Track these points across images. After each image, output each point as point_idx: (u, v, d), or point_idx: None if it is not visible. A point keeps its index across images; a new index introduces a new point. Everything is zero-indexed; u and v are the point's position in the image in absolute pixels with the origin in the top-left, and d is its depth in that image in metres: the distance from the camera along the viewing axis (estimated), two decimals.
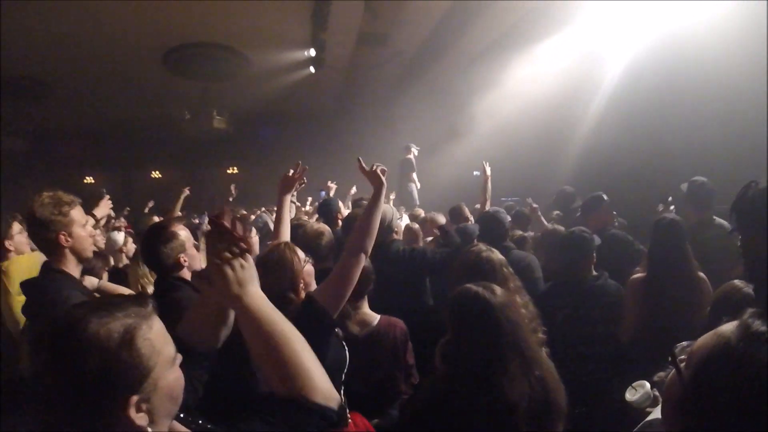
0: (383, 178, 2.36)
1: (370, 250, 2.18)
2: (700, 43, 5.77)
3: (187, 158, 15.73)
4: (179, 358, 1.09)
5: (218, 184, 14.59)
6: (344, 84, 13.00)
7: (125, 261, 4.24)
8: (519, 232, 4.54)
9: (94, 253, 2.45)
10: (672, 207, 4.59)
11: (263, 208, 6.59)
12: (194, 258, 2.40)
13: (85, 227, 2.18)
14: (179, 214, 6.06)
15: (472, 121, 10.38)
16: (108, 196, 3.69)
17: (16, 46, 8.73)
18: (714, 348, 0.95)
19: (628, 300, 3.03)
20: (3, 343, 3.05)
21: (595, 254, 3.13)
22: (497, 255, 2.56)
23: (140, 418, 0.97)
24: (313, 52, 10.27)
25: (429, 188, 9.29)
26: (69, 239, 2.11)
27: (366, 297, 2.65)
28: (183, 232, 2.33)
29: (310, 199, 7.75)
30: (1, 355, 2.82)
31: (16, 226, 3.39)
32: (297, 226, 3.34)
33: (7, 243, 3.37)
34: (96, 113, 13.37)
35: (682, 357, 1.03)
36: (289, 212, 2.98)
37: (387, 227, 3.45)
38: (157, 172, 16.66)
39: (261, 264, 2.09)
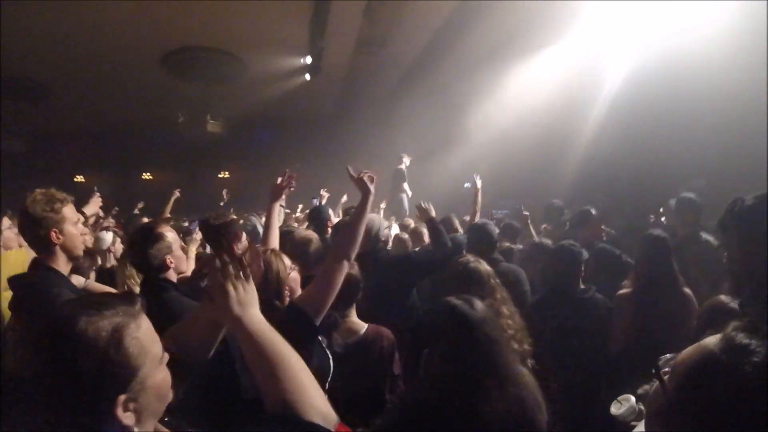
0: (370, 186, 2.35)
1: (353, 256, 2.19)
2: (700, 52, 5.85)
3: (182, 161, 15.68)
4: (167, 357, 1.09)
5: (211, 187, 14.54)
6: (341, 90, 13.05)
7: (113, 261, 4.21)
8: (506, 244, 4.57)
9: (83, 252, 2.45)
10: (663, 219, 4.63)
11: (254, 214, 6.57)
12: (180, 260, 2.42)
13: (77, 225, 2.18)
14: (168, 215, 6.04)
15: (469, 128, 10.42)
16: (98, 194, 3.68)
17: (16, 46, 8.73)
18: (698, 360, 0.96)
19: (616, 314, 3.07)
20: None
21: (583, 267, 3.17)
22: (485, 266, 2.57)
23: (127, 418, 0.97)
24: (309, 60, 10.30)
25: (422, 197, 9.23)
26: (60, 236, 2.10)
27: (354, 305, 2.64)
28: (170, 234, 2.35)
29: (300, 206, 7.75)
30: None
31: (5, 222, 3.37)
32: (286, 233, 3.35)
33: None
34: (93, 115, 13.37)
35: (666, 369, 1.04)
36: (278, 219, 2.99)
37: (374, 236, 3.46)
38: (149, 174, 16.57)
39: (231, 248, 2.11)
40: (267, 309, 1.98)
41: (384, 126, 13.02)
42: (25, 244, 2.64)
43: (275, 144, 15.14)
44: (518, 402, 1.60)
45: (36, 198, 2.08)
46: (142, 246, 2.26)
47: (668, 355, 1.14)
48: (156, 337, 1.08)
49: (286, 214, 6.04)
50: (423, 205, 3.90)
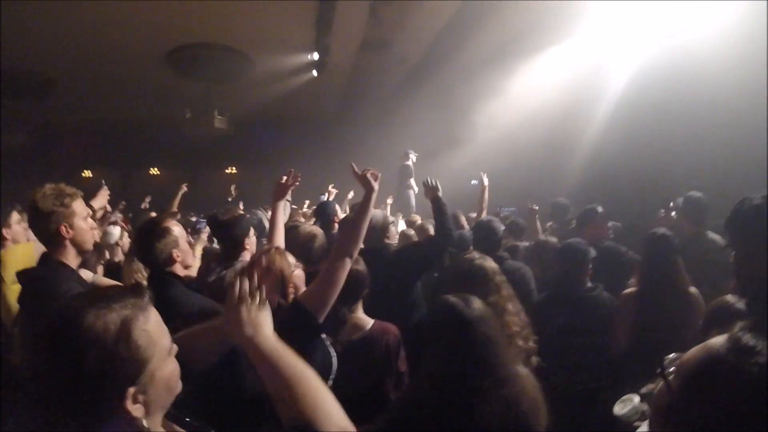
0: (374, 183, 2.36)
1: (356, 254, 2.19)
2: (705, 53, 5.83)
3: (187, 157, 15.73)
4: (175, 348, 1.10)
5: (217, 183, 14.60)
6: (346, 89, 13.06)
7: (121, 255, 4.25)
8: (512, 242, 4.56)
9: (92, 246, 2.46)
10: (673, 213, 4.59)
11: (260, 208, 6.59)
12: (187, 254, 2.42)
13: (86, 220, 2.19)
14: (175, 210, 6.07)
15: (473, 128, 10.41)
16: (106, 187, 3.71)
17: (20, 41, 8.77)
18: (703, 360, 0.96)
19: (620, 313, 3.06)
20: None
21: (590, 266, 3.17)
22: (490, 263, 2.56)
23: (136, 410, 0.97)
24: (316, 56, 10.30)
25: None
26: (70, 231, 2.11)
27: (360, 301, 2.64)
28: (176, 228, 2.35)
29: (308, 202, 7.76)
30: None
31: (15, 216, 3.38)
32: (291, 228, 3.36)
33: (4, 231, 3.36)
34: (99, 111, 13.41)
35: (671, 369, 1.04)
36: (282, 217, 2.99)
37: (379, 232, 3.47)
38: (156, 170, 16.64)
39: (251, 269, 2.12)
40: (271, 307, 2.02)
41: (388, 125, 13.02)
42: (33, 238, 2.67)
43: (279, 142, 15.16)
44: (513, 404, 1.58)
45: (46, 193, 2.09)
46: (148, 240, 2.27)
47: (673, 355, 1.13)
48: (164, 329, 1.08)
49: (293, 210, 6.05)
50: (430, 182, 3.69)
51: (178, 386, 1.10)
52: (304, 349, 1.95)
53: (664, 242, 3.05)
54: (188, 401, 1.25)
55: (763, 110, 4.89)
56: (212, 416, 1.64)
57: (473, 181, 8.49)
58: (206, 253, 3.96)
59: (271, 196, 3.06)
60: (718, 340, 0.97)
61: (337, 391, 2.14)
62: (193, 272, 2.77)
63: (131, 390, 0.97)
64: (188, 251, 2.45)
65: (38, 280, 2.10)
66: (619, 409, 1.79)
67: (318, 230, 3.37)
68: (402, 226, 5.67)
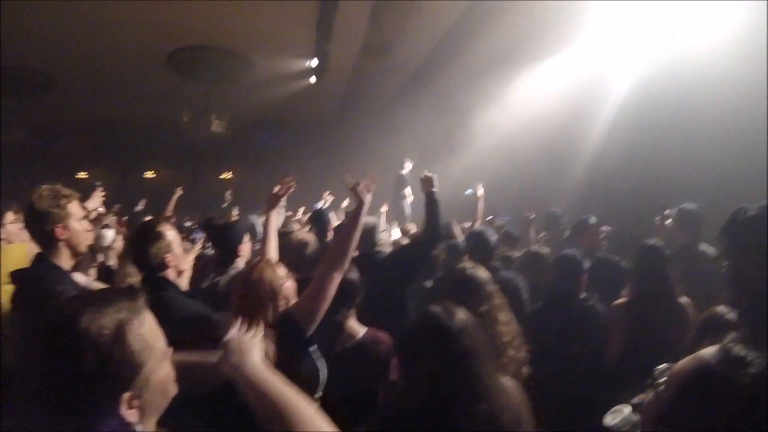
0: (365, 196, 2.33)
1: (346, 266, 2.19)
2: (704, 63, 5.84)
3: (185, 160, 15.70)
4: (170, 351, 1.09)
5: (214, 187, 14.57)
6: (345, 94, 13.09)
7: (115, 259, 4.23)
8: (505, 252, 4.58)
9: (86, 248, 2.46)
10: (668, 222, 4.60)
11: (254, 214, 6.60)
12: (180, 258, 2.40)
13: (82, 222, 2.20)
14: (170, 214, 6.07)
15: (472, 135, 10.41)
16: (101, 189, 3.71)
17: (20, 39, 8.75)
18: (694, 370, 0.98)
19: (612, 324, 3.08)
20: None
21: (585, 276, 3.20)
22: (482, 272, 2.56)
23: (131, 415, 0.96)
24: (315, 63, 10.33)
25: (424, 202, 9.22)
26: (65, 232, 2.12)
27: (353, 309, 2.64)
28: (170, 232, 2.34)
29: (302, 208, 7.78)
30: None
31: (10, 216, 3.39)
32: (283, 235, 3.37)
33: None
34: (96, 111, 13.37)
35: (662, 379, 1.05)
36: (276, 228, 2.99)
37: (371, 240, 3.48)
38: (152, 172, 16.59)
39: (242, 282, 2.12)
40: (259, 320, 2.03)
41: (387, 130, 13.02)
42: (27, 238, 2.66)
43: (277, 145, 15.15)
44: (494, 418, 1.54)
45: (42, 193, 2.10)
46: (142, 244, 2.26)
47: (664, 365, 1.15)
48: (159, 332, 1.07)
49: (287, 217, 6.06)
50: (427, 175, 3.63)
51: (173, 390, 1.09)
52: (293, 360, 1.97)
53: (654, 253, 3.08)
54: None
55: (764, 118, 4.92)
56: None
57: (468, 191, 8.53)
58: (200, 259, 3.96)
59: (265, 205, 3.05)
60: (710, 351, 0.99)
61: (329, 398, 2.16)
62: (184, 281, 2.74)
63: (126, 395, 0.96)
64: (182, 256, 2.44)
65: (31, 281, 2.10)
66: (610, 419, 1.80)
67: (310, 237, 3.38)
68: (397, 234, 5.69)
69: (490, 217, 5.77)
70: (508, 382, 1.75)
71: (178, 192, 6.37)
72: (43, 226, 2.10)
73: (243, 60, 10.60)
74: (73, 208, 2.17)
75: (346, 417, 2.38)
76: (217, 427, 1.66)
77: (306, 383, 2.02)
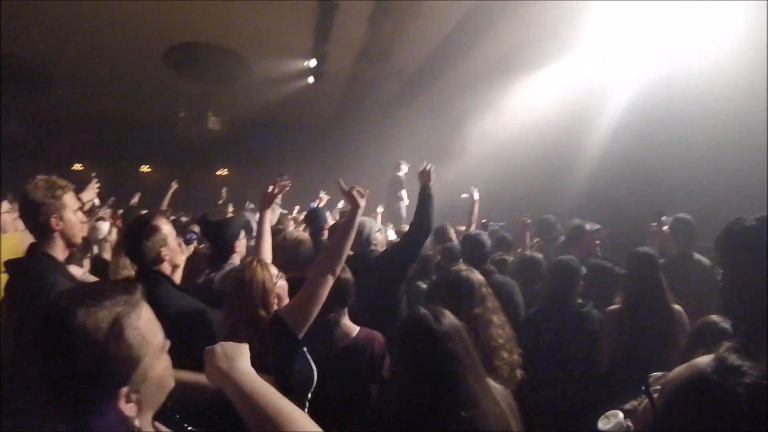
0: (360, 200, 2.35)
1: (338, 271, 2.19)
2: (702, 74, 5.87)
3: (180, 157, 15.65)
4: (167, 344, 1.07)
5: (209, 184, 14.55)
6: (342, 97, 13.10)
7: (109, 251, 4.22)
8: (500, 255, 4.60)
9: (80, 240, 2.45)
10: (665, 227, 4.61)
11: (249, 209, 6.59)
12: (175, 253, 2.40)
13: (76, 213, 2.19)
14: (165, 208, 6.06)
15: (468, 141, 10.43)
16: (96, 181, 3.69)
17: (18, 33, 8.72)
18: (689, 379, 0.98)
19: (604, 330, 3.11)
20: None
21: (581, 282, 3.23)
22: (476, 275, 2.57)
23: (129, 409, 0.95)
24: (313, 63, 10.34)
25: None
26: (60, 223, 2.12)
27: (346, 309, 2.64)
28: (166, 227, 2.33)
29: (297, 207, 7.77)
30: None
31: (5, 206, 3.37)
32: (277, 232, 3.36)
33: None
34: (94, 105, 13.33)
35: (656, 387, 1.06)
36: (269, 228, 2.99)
37: (365, 240, 3.48)
38: (148, 167, 16.54)
39: (234, 282, 2.13)
40: (251, 320, 2.03)
41: (382, 135, 13.06)
42: (21, 228, 2.65)
43: (273, 146, 15.14)
44: (478, 425, 1.51)
45: (38, 184, 2.10)
46: (137, 237, 2.25)
47: (658, 374, 1.15)
48: (157, 326, 1.05)
49: (282, 215, 6.05)
50: (426, 168, 3.66)
51: (170, 383, 1.08)
52: (283, 363, 1.97)
53: (646, 259, 3.11)
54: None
55: (764, 127, 4.95)
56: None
57: (463, 195, 8.54)
58: (195, 255, 3.96)
59: (259, 204, 3.06)
60: (704, 360, 0.99)
61: (322, 398, 2.17)
62: (177, 277, 2.73)
63: (124, 390, 0.94)
64: (177, 250, 2.43)
65: (25, 271, 2.09)
66: (603, 425, 1.79)
67: (305, 236, 3.38)
68: (392, 236, 5.70)
69: (484, 220, 5.78)
70: (496, 390, 1.72)
71: (174, 186, 6.35)
72: (37, 217, 2.09)
73: (240, 60, 10.61)
74: (68, 199, 2.17)
75: (339, 416, 2.39)
76: None
77: (298, 383, 2.03)
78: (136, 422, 0.97)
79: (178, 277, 2.80)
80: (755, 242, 1.75)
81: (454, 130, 11.13)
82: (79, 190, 2.88)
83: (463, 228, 5.41)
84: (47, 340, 0.93)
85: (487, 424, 1.52)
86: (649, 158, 7.00)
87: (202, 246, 4.29)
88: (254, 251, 2.86)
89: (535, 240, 5.74)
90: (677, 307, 3.05)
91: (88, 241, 3.75)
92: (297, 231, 3.79)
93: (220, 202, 7.06)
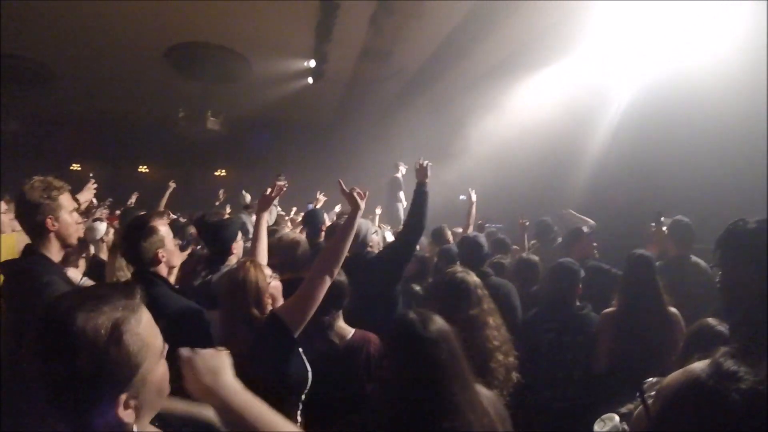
0: (360, 202, 2.37)
1: (336, 272, 2.20)
2: (703, 75, 5.86)
3: (179, 157, 15.66)
4: (166, 348, 1.06)
5: (207, 185, 14.55)
6: (342, 97, 13.10)
7: (106, 251, 4.21)
8: (498, 258, 4.60)
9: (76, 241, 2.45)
10: (665, 228, 4.61)
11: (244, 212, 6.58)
12: (173, 254, 2.40)
13: (72, 214, 2.19)
14: (163, 209, 6.04)
15: (468, 141, 10.41)
16: (93, 181, 3.69)
17: (20, 28, 8.71)
18: (684, 384, 0.97)
19: (601, 332, 3.11)
20: None
21: (581, 285, 3.24)
22: (473, 276, 2.57)
23: (128, 416, 0.94)
24: (314, 63, 10.33)
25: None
26: (55, 224, 2.12)
27: (340, 310, 2.64)
28: (163, 228, 2.34)
29: (294, 208, 7.76)
30: None
31: (2, 206, 3.37)
32: (273, 233, 3.36)
33: None
34: (94, 104, 13.36)
35: (651, 392, 1.05)
36: (266, 229, 2.99)
37: (361, 241, 3.48)
38: (146, 167, 16.53)
39: (227, 282, 2.13)
40: (245, 320, 2.03)
41: (383, 135, 13.05)
42: (17, 228, 2.64)
43: (272, 146, 15.15)
44: None
45: (34, 185, 2.10)
46: (134, 238, 2.25)
47: (653, 379, 1.15)
48: (156, 330, 1.04)
49: (279, 216, 6.04)
50: (422, 164, 3.64)
51: (168, 388, 1.07)
52: (278, 362, 1.97)
53: (642, 262, 3.11)
54: None
55: (765, 129, 4.95)
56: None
57: (461, 197, 8.53)
58: (192, 257, 3.95)
59: (256, 206, 3.05)
60: (700, 365, 0.99)
61: (317, 400, 2.16)
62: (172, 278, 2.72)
63: (123, 396, 0.93)
64: (174, 251, 2.43)
65: (20, 272, 2.09)
66: (599, 427, 1.80)
67: (301, 237, 3.39)
68: (390, 237, 5.68)
69: (480, 221, 5.77)
70: (486, 397, 1.67)
71: (172, 186, 6.35)
72: (33, 217, 2.09)
73: (241, 60, 10.60)
74: (65, 200, 2.17)
75: (334, 418, 2.39)
76: None
77: (293, 383, 2.03)
78: (135, 428, 0.96)
79: (173, 279, 2.80)
80: (757, 245, 1.74)
81: (455, 130, 11.12)
82: (77, 190, 2.88)
83: (460, 230, 5.40)
84: (46, 343, 0.91)
85: None
86: (650, 159, 6.99)
87: (198, 247, 4.27)
88: (250, 253, 2.86)
89: (532, 242, 5.74)
90: (673, 309, 3.05)
91: (85, 242, 3.74)
92: (293, 232, 3.79)
93: (218, 203, 7.04)
